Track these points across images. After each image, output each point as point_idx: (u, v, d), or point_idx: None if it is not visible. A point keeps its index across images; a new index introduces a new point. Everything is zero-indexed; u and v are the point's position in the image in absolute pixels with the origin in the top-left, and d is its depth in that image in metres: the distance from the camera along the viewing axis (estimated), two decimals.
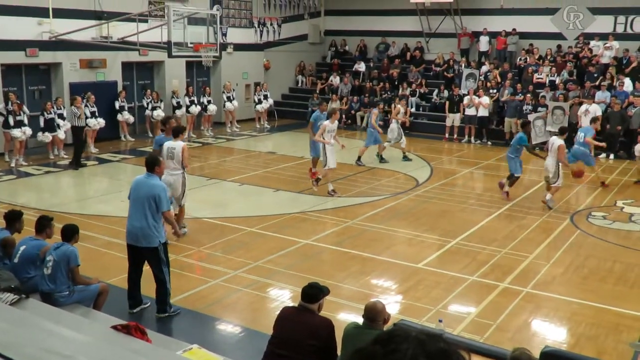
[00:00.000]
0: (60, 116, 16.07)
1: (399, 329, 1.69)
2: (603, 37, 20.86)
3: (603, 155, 17.35)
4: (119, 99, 18.15)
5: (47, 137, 15.67)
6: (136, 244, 6.95)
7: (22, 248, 6.54)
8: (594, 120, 14.65)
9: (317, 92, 24.14)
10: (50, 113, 15.72)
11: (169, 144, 9.65)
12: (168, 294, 7.10)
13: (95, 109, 16.94)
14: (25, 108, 15.48)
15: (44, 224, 6.77)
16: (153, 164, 7.04)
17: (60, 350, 4.71)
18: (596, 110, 17.35)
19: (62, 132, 16.06)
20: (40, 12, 16.54)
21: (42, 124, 15.62)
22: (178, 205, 9.80)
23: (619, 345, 6.60)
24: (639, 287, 8.26)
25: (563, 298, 7.85)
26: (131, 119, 18.65)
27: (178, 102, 19.60)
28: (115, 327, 5.23)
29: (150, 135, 18.99)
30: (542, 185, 14.00)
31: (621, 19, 21.27)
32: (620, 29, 21.23)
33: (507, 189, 12.82)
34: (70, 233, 6.48)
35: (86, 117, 16.25)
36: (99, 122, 16.95)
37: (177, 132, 9.81)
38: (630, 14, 21.05)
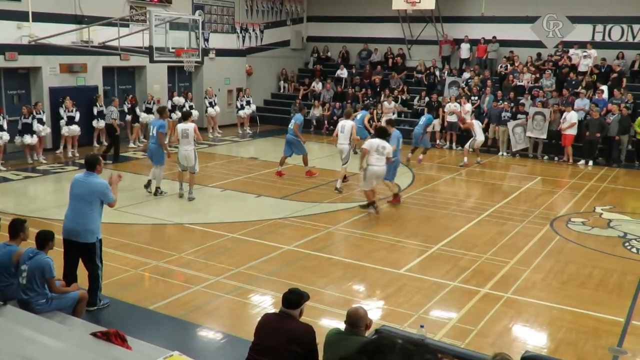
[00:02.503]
0: (40, 121, 15.89)
1: (385, 338, 1.66)
2: (582, 45, 21.18)
3: (582, 162, 17.58)
4: (97, 104, 17.97)
5: (27, 140, 15.53)
6: (76, 239, 7.04)
7: None
8: None
9: (300, 98, 24.17)
10: (28, 117, 15.57)
11: (182, 126, 12.15)
12: (100, 288, 7.27)
13: (73, 114, 16.78)
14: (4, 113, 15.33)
15: (17, 229, 6.60)
16: (94, 163, 7.15)
17: (39, 357, 4.65)
18: (572, 117, 17.58)
19: (42, 136, 15.90)
20: (19, 16, 16.37)
21: (19, 127, 15.47)
22: (190, 172, 12.30)
23: (599, 350, 6.67)
24: (618, 293, 8.36)
25: (543, 303, 7.91)
26: (102, 124, 18.37)
27: (148, 108, 19.27)
28: (94, 334, 5.17)
29: (133, 143, 18.88)
30: (521, 191, 14.16)
31: (599, 27, 21.62)
32: (598, 38, 21.57)
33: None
34: (43, 240, 6.32)
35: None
36: (70, 130, 16.71)
37: (186, 116, 12.58)
38: (608, 22, 21.40)
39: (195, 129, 12.11)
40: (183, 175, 12.57)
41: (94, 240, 7.10)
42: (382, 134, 11.44)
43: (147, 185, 12.89)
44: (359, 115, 16.92)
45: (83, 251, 7.11)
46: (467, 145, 17.22)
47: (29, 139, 15.57)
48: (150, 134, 12.61)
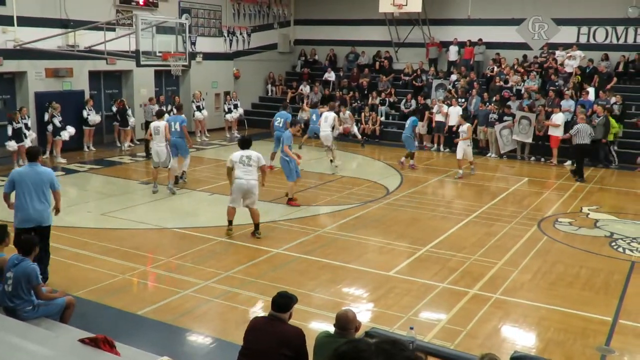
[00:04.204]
0: (25, 126, 15.76)
1: (361, 342, 1.68)
2: (567, 47, 21.35)
3: (569, 162, 17.68)
4: (87, 108, 17.89)
5: (12, 146, 15.37)
6: (39, 224, 7.69)
7: None
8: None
9: (287, 101, 24.13)
10: (19, 122, 15.46)
11: (155, 124, 12.97)
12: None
13: (60, 118, 16.69)
14: None
15: (1, 235, 6.60)
16: (37, 154, 7.97)
17: None
18: (557, 119, 17.67)
19: (29, 141, 15.77)
20: (4, 20, 16.24)
21: (10, 132, 15.34)
22: (163, 167, 13.06)
23: (587, 350, 6.72)
24: (604, 292, 8.42)
25: (531, 304, 7.95)
26: (98, 118, 18.31)
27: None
28: (82, 341, 5.14)
29: (119, 144, 18.80)
30: (509, 192, 14.26)
31: (584, 29, 21.81)
32: (583, 40, 21.75)
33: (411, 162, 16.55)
34: (28, 247, 6.26)
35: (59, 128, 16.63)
36: (69, 132, 16.72)
37: (160, 114, 13.39)
38: (593, 24, 21.60)
39: (165, 127, 12.87)
40: (157, 172, 13.30)
41: (51, 222, 7.89)
42: (244, 144, 10.39)
43: (181, 177, 14.12)
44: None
45: (43, 235, 7.64)
46: (470, 156, 15.96)
47: (15, 146, 15.50)
48: (172, 129, 13.40)
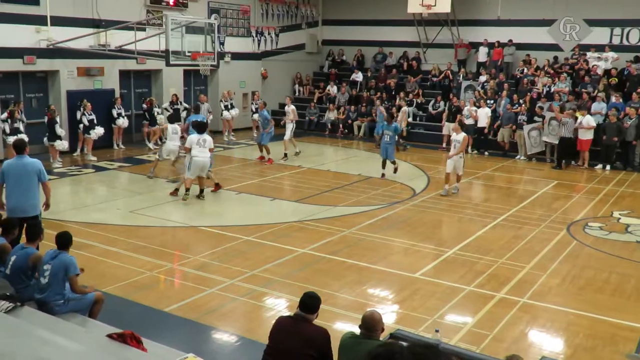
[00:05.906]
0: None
1: (395, 344, 1.67)
2: (599, 48, 20.99)
3: (599, 166, 17.40)
4: (116, 107, 18.15)
5: (63, 145, 16.08)
6: (25, 215, 7.80)
7: (13, 258, 6.46)
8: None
9: (315, 101, 24.19)
10: (90, 114, 16.83)
11: (173, 126, 14.28)
12: None
13: (93, 116, 16.97)
14: (22, 116, 15.50)
15: (36, 231, 6.73)
16: (23, 147, 8.16)
17: (55, 359, 4.67)
18: (589, 121, 17.40)
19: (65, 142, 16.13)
20: (38, 20, 16.55)
21: (58, 131, 15.83)
22: (170, 163, 14.42)
23: (616, 356, 6.60)
24: (635, 298, 8.27)
25: (559, 308, 7.84)
26: (126, 122, 18.56)
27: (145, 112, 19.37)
28: (110, 336, 5.20)
29: (148, 142, 18.99)
30: (538, 196, 14.08)
31: (617, 30, 21.41)
32: (616, 41, 21.36)
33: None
34: (65, 241, 6.42)
35: (87, 126, 17.06)
36: (96, 132, 16.98)
37: (176, 119, 15.15)
38: (626, 25, 21.18)
39: (181, 129, 14.52)
40: (157, 162, 14.75)
41: (37, 212, 8.03)
42: (201, 129, 12.66)
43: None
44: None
45: (30, 223, 7.65)
46: (461, 169, 13.89)
47: (65, 144, 16.04)
48: None
